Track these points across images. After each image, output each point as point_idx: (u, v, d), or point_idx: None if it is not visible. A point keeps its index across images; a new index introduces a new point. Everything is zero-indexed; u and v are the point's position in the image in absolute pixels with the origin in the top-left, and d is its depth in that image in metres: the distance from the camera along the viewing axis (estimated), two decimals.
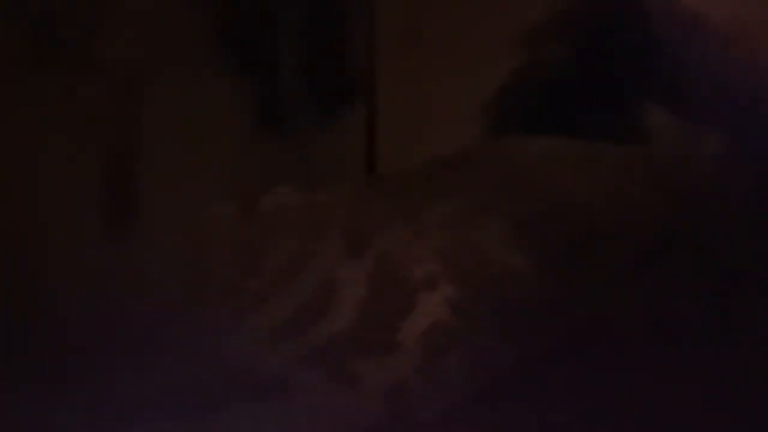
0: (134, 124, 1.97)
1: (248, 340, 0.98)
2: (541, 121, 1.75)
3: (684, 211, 1.18)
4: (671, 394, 0.93)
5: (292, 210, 1.19)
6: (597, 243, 1.11)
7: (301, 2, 2.20)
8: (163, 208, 1.84)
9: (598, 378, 0.95)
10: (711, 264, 1.10)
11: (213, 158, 2.22)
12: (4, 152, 1.83)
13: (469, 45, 2.06)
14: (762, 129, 1.04)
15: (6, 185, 1.80)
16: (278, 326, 0.98)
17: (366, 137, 2.23)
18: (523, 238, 1.08)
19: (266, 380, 0.93)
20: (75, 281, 1.16)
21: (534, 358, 0.97)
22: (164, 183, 2.06)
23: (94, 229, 1.81)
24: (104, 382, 0.95)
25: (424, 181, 1.26)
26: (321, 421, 0.90)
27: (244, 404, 0.91)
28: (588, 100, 1.91)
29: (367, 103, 2.25)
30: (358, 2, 2.23)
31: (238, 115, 2.26)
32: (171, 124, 2.11)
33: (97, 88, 1.94)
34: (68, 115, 1.91)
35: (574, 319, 1.01)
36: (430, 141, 1.96)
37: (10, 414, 0.93)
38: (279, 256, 1.07)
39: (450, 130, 1.96)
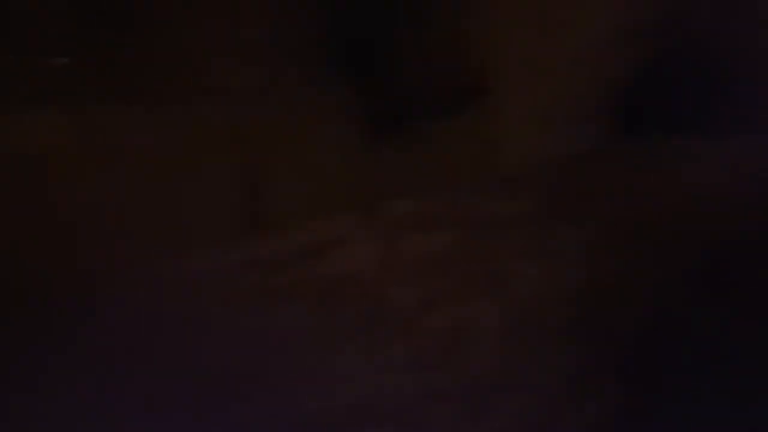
0: (258, 140, 2.01)
1: (380, 372, 0.97)
2: (669, 119, 1.72)
3: None
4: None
5: (420, 242, 1.16)
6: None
7: (415, 11, 2.20)
8: (288, 217, 1.85)
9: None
10: None
11: (331, 167, 2.23)
12: (146, 169, 1.90)
13: (587, 37, 2.02)
14: None
15: (152, 196, 1.86)
16: (410, 360, 0.98)
17: (483, 140, 2.21)
18: (660, 254, 1.05)
19: (397, 410, 0.93)
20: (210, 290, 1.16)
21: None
22: (287, 194, 2.09)
23: (227, 236, 1.82)
24: (227, 402, 0.96)
25: (546, 192, 1.22)
26: None
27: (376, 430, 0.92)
28: (692, 97, 1.85)
29: (485, 105, 2.23)
30: (473, 5, 2.21)
31: (354, 123, 2.27)
32: (291, 136, 2.14)
33: (221, 110, 1.99)
34: (199, 136, 1.97)
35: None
36: (550, 142, 1.93)
37: None
38: (408, 295, 1.06)
39: (567, 131, 1.93)
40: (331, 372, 0.98)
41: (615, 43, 1.93)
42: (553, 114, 2.04)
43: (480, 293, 1.02)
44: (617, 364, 0.95)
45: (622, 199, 1.14)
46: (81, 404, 1.00)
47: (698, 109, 1.73)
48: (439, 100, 2.24)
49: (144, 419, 0.98)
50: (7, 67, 1.90)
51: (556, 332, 0.97)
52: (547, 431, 0.89)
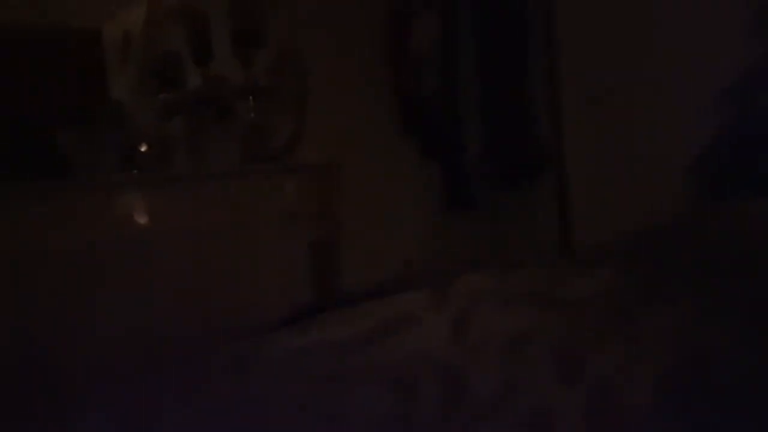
0: (332, 213, 2.01)
1: None
2: (758, 179, 1.56)
3: None
4: None
5: (495, 322, 1.04)
6: None
7: (483, 82, 2.13)
8: (362, 293, 1.78)
9: None
10: None
11: (405, 241, 2.17)
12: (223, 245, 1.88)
13: (667, 101, 1.88)
14: None
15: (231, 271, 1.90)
16: None
17: (558, 211, 2.09)
18: (759, 333, 0.89)
19: None
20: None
21: None
22: (362, 266, 2.03)
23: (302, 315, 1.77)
24: None
25: (629, 267, 1.08)
26: None
27: None
28: None
29: (557, 174, 2.11)
30: (540, 75, 2.12)
31: (427, 198, 2.21)
32: (365, 210, 2.09)
33: (300, 184, 1.94)
34: (276, 208, 1.93)
35: None
36: (628, 209, 1.79)
37: None
38: (486, 379, 0.93)
39: (650, 196, 1.78)
40: None
41: (707, 100, 1.79)
42: (634, 179, 1.90)
43: (560, 376, 0.91)
44: None
45: (711, 273, 0.99)
46: None
47: None
48: (509, 173, 2.14)
49: None
50: None
51: (640, 417, 0.84)
52: None
